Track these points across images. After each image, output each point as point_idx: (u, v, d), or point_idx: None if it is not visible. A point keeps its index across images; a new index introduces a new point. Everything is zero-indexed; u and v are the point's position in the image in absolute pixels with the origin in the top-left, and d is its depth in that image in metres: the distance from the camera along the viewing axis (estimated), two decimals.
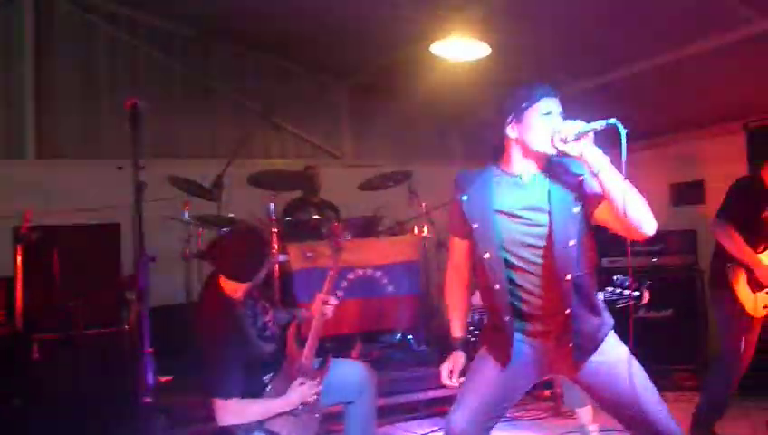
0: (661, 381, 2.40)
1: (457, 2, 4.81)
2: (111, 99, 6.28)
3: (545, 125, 2.26)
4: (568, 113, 2.35)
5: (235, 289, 2.94)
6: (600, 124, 2.11)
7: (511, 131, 2.34)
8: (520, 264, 2.33)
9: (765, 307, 3.67)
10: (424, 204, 5.61)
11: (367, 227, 5.33)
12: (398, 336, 5.36)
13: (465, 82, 5.96)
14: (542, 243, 2.30)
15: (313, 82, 7.18)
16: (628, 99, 5.84)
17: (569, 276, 2.26)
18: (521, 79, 5.79)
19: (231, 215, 5.25)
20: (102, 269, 4.19)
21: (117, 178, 5.72)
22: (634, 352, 2.38)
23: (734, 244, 3.67)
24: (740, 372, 3.69)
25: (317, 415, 3.05)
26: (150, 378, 1.73)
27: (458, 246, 2.56)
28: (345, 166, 7.07)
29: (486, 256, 2.33)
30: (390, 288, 5.09)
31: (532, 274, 2.33)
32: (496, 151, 2.44)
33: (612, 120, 2.08)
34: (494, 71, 5.61)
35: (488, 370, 2.42)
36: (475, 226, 2.36)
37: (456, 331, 2.60)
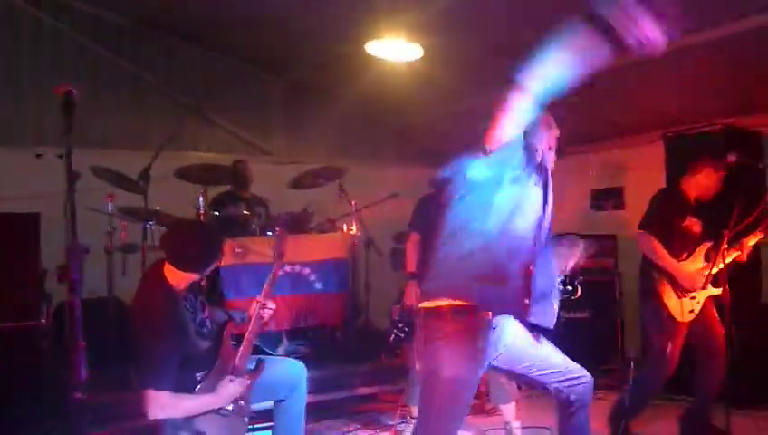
0: None
1: (388, 4, 4.85)
2: (34, 85, 6.01)
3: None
4: None
5: (179, 280, 2.87)
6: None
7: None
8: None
9: (691, 311, 3.83)
10: (354, 202, 5.65)
11: (297, 224, 5.30)
12: (326, 333, 5.36)
13: (398, 83, 6.02)
14: (540, 211, 2.41)
15: (247, 77, 7.08)
16: (552, 107, 5.99)
17: (544, 241, 2.42)
18: (452, 84, 5.96)
19: (157, 208, 5.14)
20: (21, 260, 4.01)
21: (36, 166, 5.53)
22: None
23: (656, 253, 3.82)
24: (668, 374, 3.83)
25: (246, 418, 3.01)
26: (83, 372, 1.69)
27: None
28: (276, 162, 7.01)
29: (516, 222, 2.32)
30: (319, 285, 5.10)
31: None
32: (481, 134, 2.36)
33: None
34: (427, 73, 5.69)
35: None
36: (496, 191, 2.32)
37: None
